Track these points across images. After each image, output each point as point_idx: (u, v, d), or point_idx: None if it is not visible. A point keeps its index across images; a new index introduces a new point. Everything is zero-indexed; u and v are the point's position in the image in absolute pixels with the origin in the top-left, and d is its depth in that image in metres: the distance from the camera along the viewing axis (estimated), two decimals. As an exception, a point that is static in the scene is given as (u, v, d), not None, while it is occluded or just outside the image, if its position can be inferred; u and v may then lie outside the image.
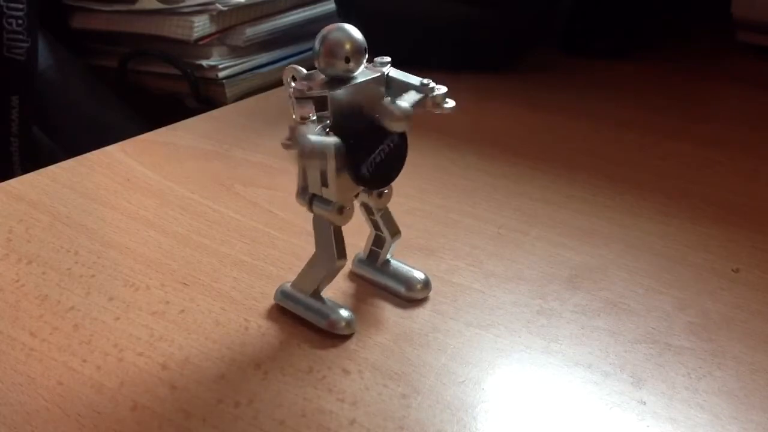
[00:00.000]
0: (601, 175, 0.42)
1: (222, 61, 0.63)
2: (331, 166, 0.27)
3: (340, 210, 0.28)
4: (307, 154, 0.26)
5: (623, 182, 0.41)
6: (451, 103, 0.28)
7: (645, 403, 0.26)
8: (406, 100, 0.26)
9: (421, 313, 0.31)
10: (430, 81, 0.28)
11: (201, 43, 0.62)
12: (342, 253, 0.29)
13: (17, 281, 0.33)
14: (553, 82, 0.58)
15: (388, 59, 0.28)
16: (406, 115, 0.26)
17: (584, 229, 0.37)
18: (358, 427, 0.25)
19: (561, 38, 0.65)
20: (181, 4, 0.61)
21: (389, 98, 0.26)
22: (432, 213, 0.38)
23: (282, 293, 0.31)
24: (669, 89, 0.57)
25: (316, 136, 0.26)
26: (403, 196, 0.39)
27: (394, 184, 0.29)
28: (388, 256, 0.32)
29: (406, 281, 0.31)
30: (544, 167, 0.43)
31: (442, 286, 0.32)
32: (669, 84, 0.58)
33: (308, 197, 0.28)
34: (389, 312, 0.31)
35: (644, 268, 0.34)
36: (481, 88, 0.56)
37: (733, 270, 0.33)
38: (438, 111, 0.28)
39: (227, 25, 0.63)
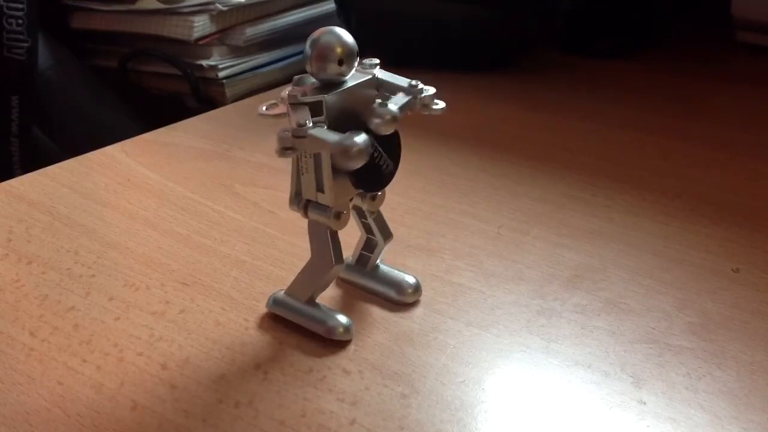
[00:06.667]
0: (601, 175, 0.42)
1: (222, 61, 0.63)
2: (328, 171, 0.27)
3: (338, 215, 0.28)
4: (356, 154, 0.24)
5: (623, 182, 0.41)
6: (440, 104, 0.28)
7: (645, 403, 0.26)
8: (395, 103, 0.26)
9: (421, 313, 0.31)
10: (419, 82, 0.28)
11: (201, 43, 0.62)
12: (339, 258, 0.29)
13: (17, 281, 0.33)
14: (553, 82, 0.58)
15: (377, 60, 0.28)
16: (394, 118, 0.25)
17: (584, 229, 0.37)
18: (358, 427, 0.25)
19: (561, 38, 0.65)
20: (181, 4, 0.61)
21: (378, 101, 0.26)
22: (432, 213, 0.38)
23: (275, 301, 0.30)
24: (669, 89, 0.57)
25: (340, 134, 0.25)
26: (404, 196, 0.39)
27: (393, 184, 0.29)
28: (378, 261, 0.32)
29: (397, 285, 0.31)
30: (544, 167, 0.43)
31: (442, 286, 0.32)
32: (669, 84, 0.58)
33: (303, 203, 0.28)
34: (388, 312, 0.31)
35: (644, 268, 0.34)
36: (481, 88, 0.56)
37: (733, 270, 0.33)
38: (427, 112, 0.28)
39: (227, 25, 0.63)
